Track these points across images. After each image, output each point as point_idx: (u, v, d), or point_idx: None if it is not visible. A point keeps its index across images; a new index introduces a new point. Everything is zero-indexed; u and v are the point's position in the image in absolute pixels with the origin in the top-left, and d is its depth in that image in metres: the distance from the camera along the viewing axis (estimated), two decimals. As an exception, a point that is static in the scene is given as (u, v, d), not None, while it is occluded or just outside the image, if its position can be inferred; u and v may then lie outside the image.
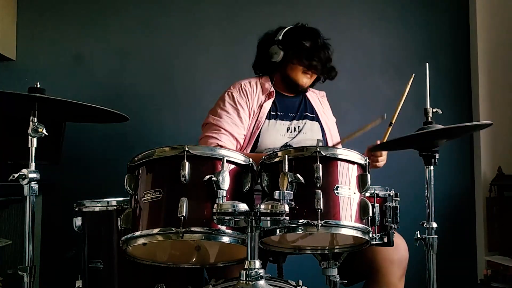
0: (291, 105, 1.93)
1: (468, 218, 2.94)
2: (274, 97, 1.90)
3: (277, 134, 1.86)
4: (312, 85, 2.00)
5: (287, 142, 1.85)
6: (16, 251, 2.29)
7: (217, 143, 1.78)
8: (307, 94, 2.01)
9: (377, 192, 1.44)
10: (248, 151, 1.83)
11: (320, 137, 1.91)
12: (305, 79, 1.90)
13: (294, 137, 1.87)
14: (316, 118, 1.96)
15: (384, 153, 1.81)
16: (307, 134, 1.89)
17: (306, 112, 1.95)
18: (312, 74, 1.90)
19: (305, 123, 1.91)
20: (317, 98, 2.04)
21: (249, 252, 1.13)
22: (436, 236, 1.60)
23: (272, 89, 1.91)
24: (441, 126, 1.57)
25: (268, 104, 1.88)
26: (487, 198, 2.85)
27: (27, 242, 1.40)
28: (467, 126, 1.58)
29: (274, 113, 1.88)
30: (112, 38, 2.80)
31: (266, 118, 1.86)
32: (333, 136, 1.99)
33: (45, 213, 2.41)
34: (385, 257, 1.64)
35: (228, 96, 1.87)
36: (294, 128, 1.89)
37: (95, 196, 1.51)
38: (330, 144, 1.95)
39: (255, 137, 1.84)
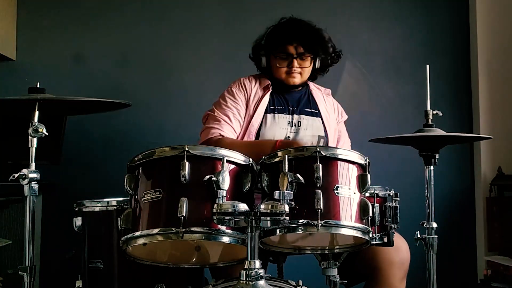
0: (290, 99, 1.91)
1: (468, 218, 2.94)
2: (271, 91, 1.89)
3: (278, 127, 1.85)
4: (313, 79, 1.99)
5: (289, 136, 1.85)
6: (16, 251, 2.29)
7: (220, 133, 1.80)
8: (312, 89, 1.99)
9: (377, 192, 1.43)
10: None
11: (322, 134, 1.89)
12: (291, 79, 1.87)
13: (295, 132, 1.86)
14: (318, 114, 1.93)
15: None
16: (308, 131, 1.87)
17: (307, 107, 1.93)
18: (302, 68, 1.86)
19: (304, 119, 1.89)
20: (322, 95, 2.00)
21: (249, 252, 1.13)
22: (436, 236, 1.60)
23: (268, 82, 1.90)
24: (442, 132, 1.57)
25: (266, 98, 1.87)
26: (487, 198, 2.85)
27: (27, 242, 1.40)
28: (468, 137, 1.59)
29: (272, 107, 1.88)
30: (112, 38, 2.80)
31: (266, 112, 1.86)
32: (330, 135, 1.95)
33: (45, 213, 2.41)
34: (385, 259, 1.63)
35: (227, 92, 1.91)
36: (295, 123, 1.87)
37: (95, 196, 1.51)
38: (330, 142, 1.93)
39: (256, 130, 1.84)
